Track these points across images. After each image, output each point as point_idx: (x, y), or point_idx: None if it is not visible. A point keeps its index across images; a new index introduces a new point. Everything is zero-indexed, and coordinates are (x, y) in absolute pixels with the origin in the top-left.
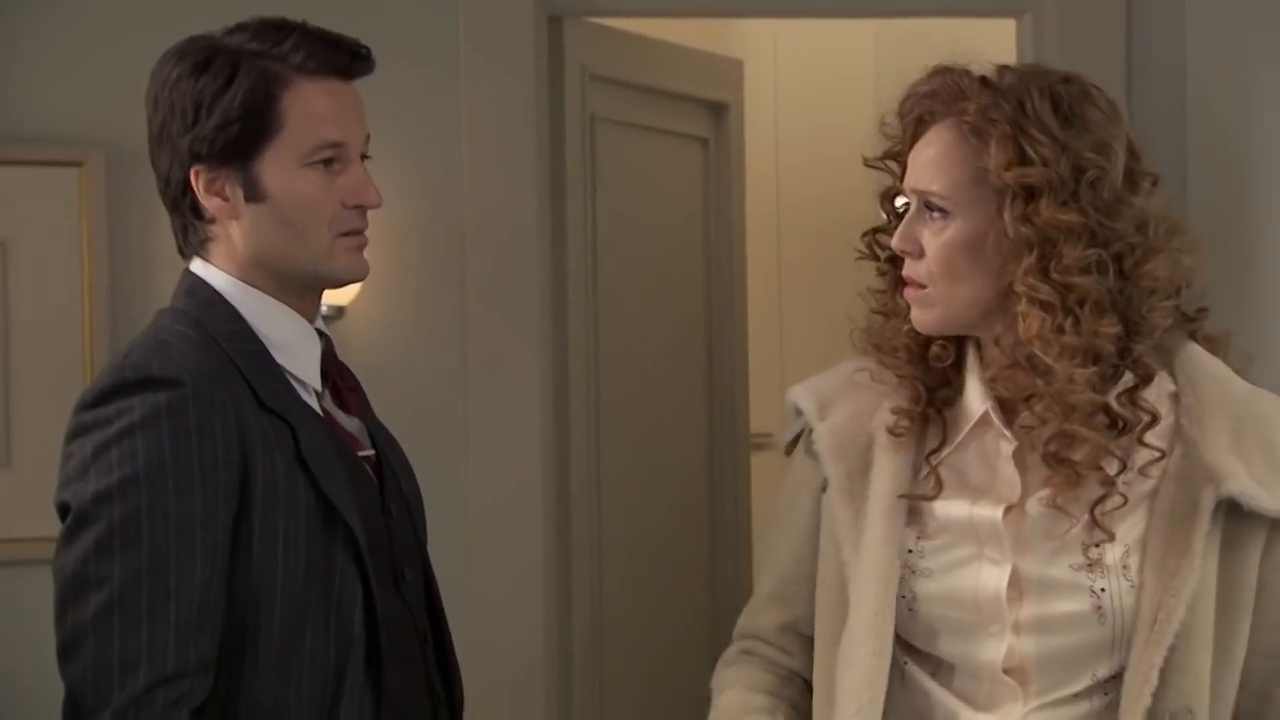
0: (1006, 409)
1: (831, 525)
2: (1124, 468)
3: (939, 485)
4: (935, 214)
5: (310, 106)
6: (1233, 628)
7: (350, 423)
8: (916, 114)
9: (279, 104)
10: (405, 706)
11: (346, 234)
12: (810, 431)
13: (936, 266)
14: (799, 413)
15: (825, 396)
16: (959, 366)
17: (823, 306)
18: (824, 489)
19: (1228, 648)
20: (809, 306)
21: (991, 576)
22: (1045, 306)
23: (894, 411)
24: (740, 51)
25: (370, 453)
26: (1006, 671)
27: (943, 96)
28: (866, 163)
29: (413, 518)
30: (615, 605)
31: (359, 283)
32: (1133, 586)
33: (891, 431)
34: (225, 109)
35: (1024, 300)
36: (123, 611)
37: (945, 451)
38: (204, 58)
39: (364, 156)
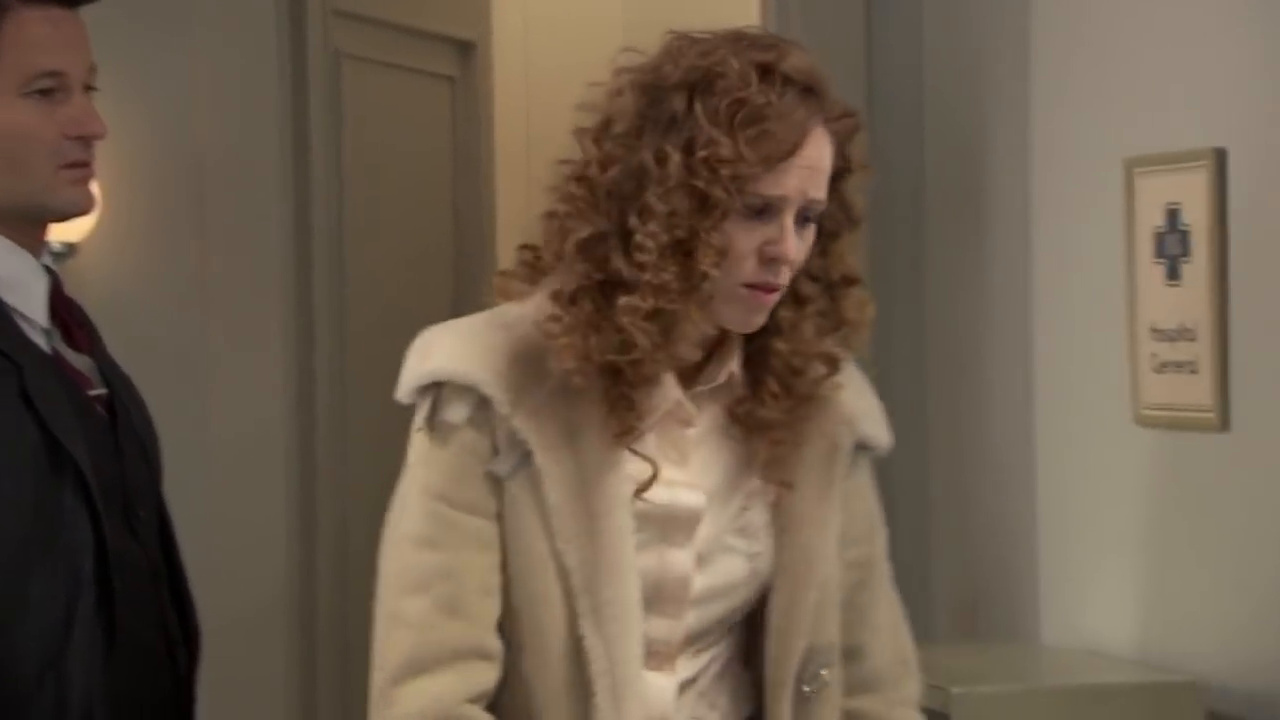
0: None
1: (540, 515)
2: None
3: (655, 473)
4: (808, 219)
5: (27, 34)
6: (843, 554)
7: (80, 361)
8: (809, 113)
9: None
10: (138, 648)
11: (70, 166)
12: (482, 408)
13: (795, 269)
14: (438, 386)
15: (508, 375)
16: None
17: None
18: (507, 475)
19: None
20: None
21: (677, 560)
22: (809, 297)
23: (613, 413)
24: None
25: (102, 391)
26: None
27: (820, 97)
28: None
29: (147, 457)
30: (361, 542)
31: (85, 216)
32: (777, 539)
33: (618, 435)
34: None
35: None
36: None
37: (640, 438)
38: None
39: (90, 88)
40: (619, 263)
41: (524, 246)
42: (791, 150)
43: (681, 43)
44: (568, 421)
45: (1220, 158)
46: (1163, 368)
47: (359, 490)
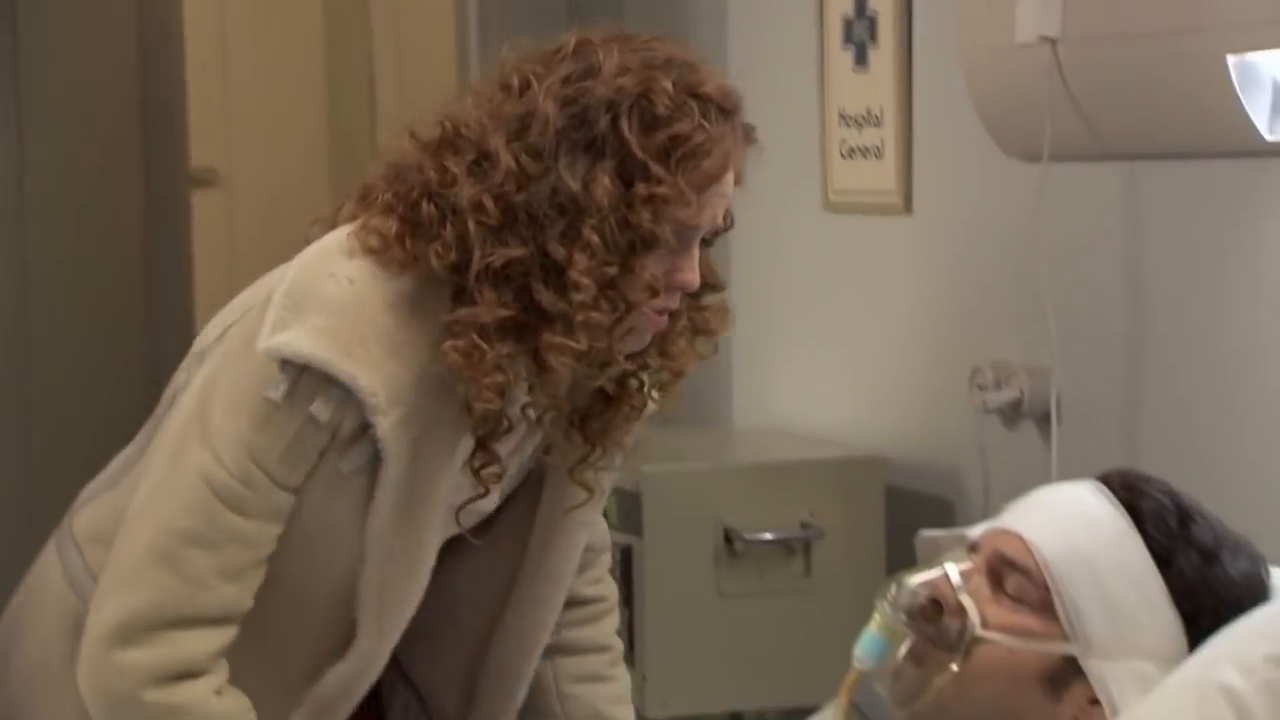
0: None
1: (362, 510)
2: None
3: (485, 494)
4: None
5: None
6: None
7: None
8: (733, 141)
9: None
10: None
11: None
12: (346, 403)
13: None
14: (300, 370)
15: (394, 379)
16: None
17: (270, 27)
18: (349, 472)
19: None
20: (255, 29)
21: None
22: (678, 310)
23: (482, 447)
24: None
25: None
26: None
27: (737, 119)
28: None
29: None
30: (42, 343)
31: None
32: (542, 523)
33: (479, 469)
34: None
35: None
36: None
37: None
38: None
39: None
40: (542, 294)
41: (391, 203)
42: (717, 179)
43: (592, 50)
44: (427, 427)
45: None
46: (850, 153)
47: (40, 289)
